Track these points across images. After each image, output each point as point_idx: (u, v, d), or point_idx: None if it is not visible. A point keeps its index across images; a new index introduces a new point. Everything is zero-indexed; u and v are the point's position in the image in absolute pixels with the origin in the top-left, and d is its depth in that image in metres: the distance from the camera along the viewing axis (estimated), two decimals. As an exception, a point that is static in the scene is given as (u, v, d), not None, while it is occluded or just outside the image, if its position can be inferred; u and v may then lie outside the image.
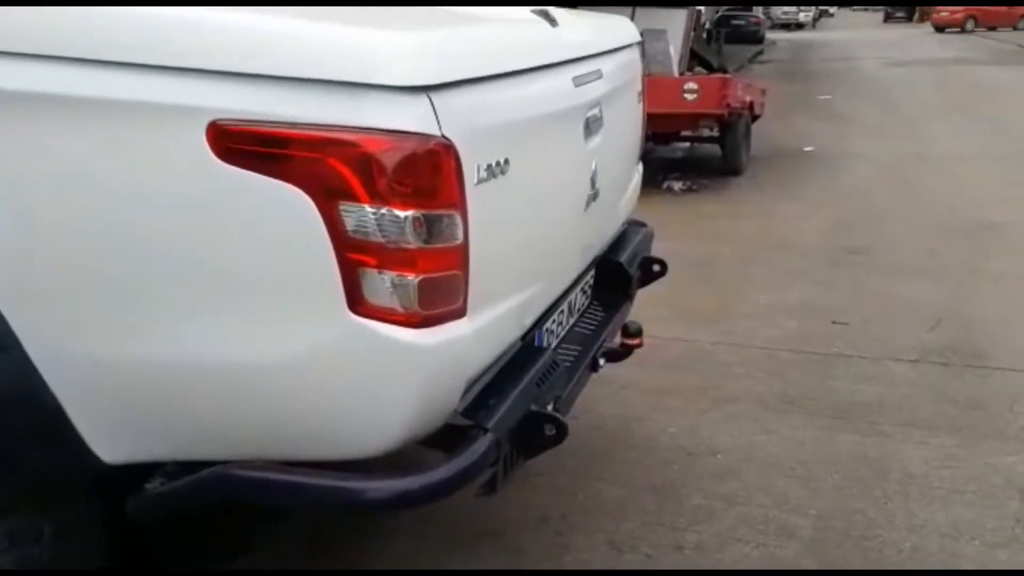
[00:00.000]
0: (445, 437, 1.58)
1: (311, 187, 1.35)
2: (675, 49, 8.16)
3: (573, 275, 2.24)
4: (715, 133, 7.80)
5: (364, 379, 1.44)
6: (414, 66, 1.37)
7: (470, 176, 1.46)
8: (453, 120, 1.42)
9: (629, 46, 2.59)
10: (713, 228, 6.34)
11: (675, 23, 8.48)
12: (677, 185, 7.55)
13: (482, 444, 1.55)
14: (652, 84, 7.24)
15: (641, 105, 2.78)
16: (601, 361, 2.28)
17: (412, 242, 1.38)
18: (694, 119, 7.27)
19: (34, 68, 1.39)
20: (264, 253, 1.40)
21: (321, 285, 1.38)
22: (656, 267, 2.81)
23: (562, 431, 1.73)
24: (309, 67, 1.35)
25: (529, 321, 1.90)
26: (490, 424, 1.59)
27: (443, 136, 1.39)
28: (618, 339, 2.40)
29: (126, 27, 1.39)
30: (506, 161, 1.59)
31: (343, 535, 2.58)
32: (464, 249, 1.47)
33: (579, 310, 2.42)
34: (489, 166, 1.52)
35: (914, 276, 5.02)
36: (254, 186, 1.37)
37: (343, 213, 1.36)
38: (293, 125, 1.35)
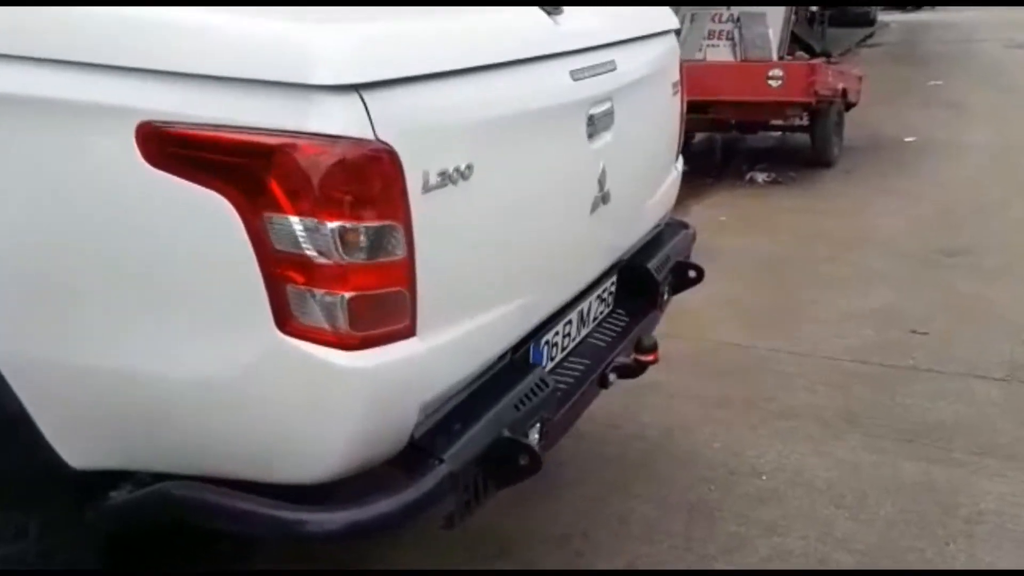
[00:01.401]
0: (401, 464, 1.46)
1: (234, 195, 1.25)
2: (775, 33, 7.72)
3: (581, 283, 2.07)
4: (805, 122, 7.35)
5: (296, 402, 1.33)
6: (344, 63, 1.24)
7: (415, 184, 1.33)
8: (392, 122, 1.28)
9: (659, 34, 2.38)
10: (794, 223, 5.96)
11: (775, 6, 8.01)
12: (761, 177, 7.16)
13: (433, 478, 1.42)
14: (735, 70, 6.95)
15: (678, 97, 2.57)
16: (611, 377, 2.11)
17: (341, 257, 1.26)
18: (780, 107, 6.84)
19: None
20: (191, 265, 1.32)
21: (247, 301, 1.28)
22: (692, 273, 2.60)
23: (535, 462, 1.57)
24: (231, 65, 1.25)
25: (516, 336, 1.75)
26: (447, 454, 1.46)
27: (378, 140, 1.26)
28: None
29: (55, 23, 1.32)
30: (468, 167, 1.44)
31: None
32: (408, 264, 1.34)
33: (595, 320, 2.26)
34: (443, 172, 1.38)
35: (1015, 282, 4.55)
36: (180, 192, 1.28)
37: (268, 224, 1.25)
38: (216, 127, 1.25)
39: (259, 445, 1.39)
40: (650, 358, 2.14)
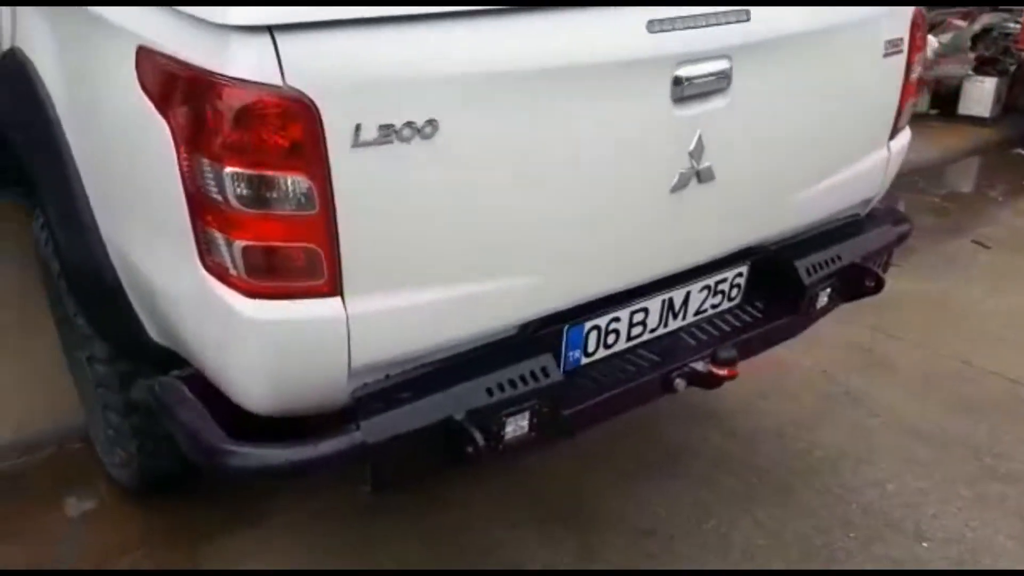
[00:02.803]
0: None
1: (173, 127, 1.28)
2: None
3: (659, 270, 1.79)
4: None
5: (216, 334, 1.37)
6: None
7: (340, 137, 1.23)
8: (311, 68, 1.19)
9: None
10: None
11: None
12: None
13: (340, 442, 1.38)
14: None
15: (900, 59, 2.02)
16: (679, 383, 1.82)
17: (238, 204, 1.23)
18: None
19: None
20: (154, 188, 1.38)
21: (181, 230, 1.32)
22: (869, 281, 2.11)
23: (476, 454, 1.43)
24: (184, -1, 1.24)
25: (522, 314, 1.59)
26: (367, 422, 1.40)
27: (287, 86, 1.18)
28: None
29: None
30: (430, 123, 1.29)
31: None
32: (323, 221, 1.26)
33: (700, 312, 1.95)
34: (388, 127, 1.26)
35: None
36: (150, 118, 1.34)
37: (192, 160, 1.26)
38: (171, 59, 1.28)
39: (210, 364, 1.45)
40: (724, 372, 1.80)
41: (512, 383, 1.54)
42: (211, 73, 1.19)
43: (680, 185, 1.67)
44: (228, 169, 1.21)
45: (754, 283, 2.04)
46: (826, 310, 2.13)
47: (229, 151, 1.20)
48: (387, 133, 1.26)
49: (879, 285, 2.10)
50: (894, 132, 2.17)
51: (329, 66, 1.20)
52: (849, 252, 2.11)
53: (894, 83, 2.07)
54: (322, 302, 1.31)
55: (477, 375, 1.52)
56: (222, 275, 1.29)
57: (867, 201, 2.25)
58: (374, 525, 2.26)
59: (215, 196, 1.24)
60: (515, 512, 2.36)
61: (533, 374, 1.57)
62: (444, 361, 1.54)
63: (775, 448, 2.71)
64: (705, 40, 1.58)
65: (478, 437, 1.43)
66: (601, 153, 1.54)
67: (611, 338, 1.81)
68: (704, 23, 1.57)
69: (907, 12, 2.01)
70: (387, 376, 1.50)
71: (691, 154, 1.65)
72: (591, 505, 2.40)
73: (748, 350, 2.03)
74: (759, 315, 2.04)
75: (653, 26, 1.50)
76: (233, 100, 1.18)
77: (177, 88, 1.25)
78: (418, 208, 1.35)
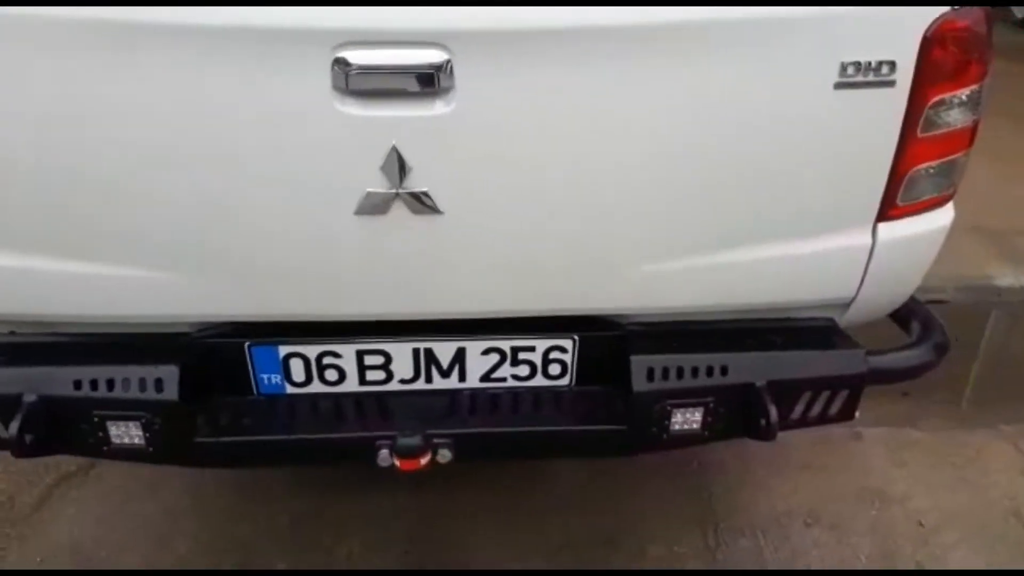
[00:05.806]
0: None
1: None
2: None
3: (379, 309, 1.39)
4: None
5: None
6: None
7: None
8: None
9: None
10: None
11: None
12: None
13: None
14: None
15: (876, 95, 1.25)
16: (383, 455, 1.41)
17: None
18: None
19: None
20: None
21: None
22: (762, 420, 1.41)
23: (18, 443, 1.28)
24: None
25: (166, 312, 1.36)
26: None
27: None
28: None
29: None
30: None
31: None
32: None
33: (488, 378, 1.51)
34: None
35: None
36: None
37: None
38: None
39: None
40: (398, 462, 1.35)
41: (110, 384, 1.35)
42: None
43: (373, 208, 1.26)
44: None
45: (598, 368, 1.50)
46: (694, 439, 1.48)
47: None
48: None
49: (768, 431, 1.38)
50: (888, 212, 1.37)
51: None
52: (748, 367, 1.42)
53: (874, 134, 1.29)
54: None
55: (74, 363, 1.36)
56: None
57: (841, 306, 1.49)
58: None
59: None
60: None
61: (142, 383, 1.35)
62: (61, 336, 1.41)
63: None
64: (390, 18, 1.14)
65: (10, 428, 1.29)
66: (233, 139, 1.21)
67: (330, 373, 1.48)
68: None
69: (913, 24, 1.22)
70: (12, 333, 1.43)
71: (384, 170, 1.23)
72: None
73: (550, 449, 1.53)
74: (580, 411, 1.50)
75: (291, -15, 1.12)
76: None
77: None
78: None
